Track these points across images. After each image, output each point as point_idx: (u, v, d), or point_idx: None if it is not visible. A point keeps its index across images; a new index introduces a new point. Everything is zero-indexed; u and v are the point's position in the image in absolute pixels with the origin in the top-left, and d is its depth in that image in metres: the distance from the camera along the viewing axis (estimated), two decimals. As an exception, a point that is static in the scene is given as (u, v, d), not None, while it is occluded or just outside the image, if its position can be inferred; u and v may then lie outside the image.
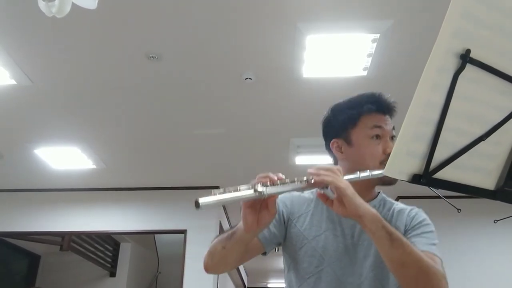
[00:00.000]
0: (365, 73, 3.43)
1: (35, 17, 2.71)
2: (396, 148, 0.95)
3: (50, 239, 6.42)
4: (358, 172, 1.26)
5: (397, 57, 3.28)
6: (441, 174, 0.96)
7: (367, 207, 1.16)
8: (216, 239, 1.36)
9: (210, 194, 1.06)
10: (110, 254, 7.50)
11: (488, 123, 0.96)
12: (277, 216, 1.43)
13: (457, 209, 1.31)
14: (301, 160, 4.99)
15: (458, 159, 0.96)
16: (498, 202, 1.01)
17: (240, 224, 1.25)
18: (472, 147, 0.96)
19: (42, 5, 2.12)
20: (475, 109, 0.95)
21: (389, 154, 1.34)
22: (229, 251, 1.31)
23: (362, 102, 1.46)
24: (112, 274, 7.47)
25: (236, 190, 1.10)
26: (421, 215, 1.40)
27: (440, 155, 0.95)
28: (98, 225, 5.78)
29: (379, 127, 1.42)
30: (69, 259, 7.09)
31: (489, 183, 1.00)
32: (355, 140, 1.44)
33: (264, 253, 1.46)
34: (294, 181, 1.17)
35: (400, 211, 1.41)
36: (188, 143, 4.67)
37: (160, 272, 8.58)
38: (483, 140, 0.96)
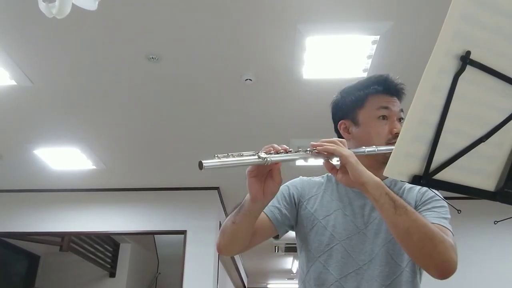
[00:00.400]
0: (365, 74, 3.43)
1: (36, 18, 2.71)
2: (396, 149, 0.95)
3: (49, 239, 6.42)
4: (363, 147, 1.29)
5: (397, 58, 3.29)
6: (441, 175, 0.96)
7: (370, 175, 1.17)
8: (225, 220, 1.36)
9: (213, 158, 1.06)
10: (110, 255, 7.50)
11: (488, 124, 0.96)
12: (288, 199, 1.46)
13: (457, 210, 1.31)
14: (301, 160, 4.98)
15: (458, 160, 0.96)
16: (498, 203, 1.01)
17: (247, 196, 1.25)
18: (472, 149, 0.96)
19: (42, 6, 2.13)
20: (475, 110, 0.95)
21: (396, 134, 1.37)
22: (238, 225, 1.30)
23: (369, 83, 1.48)
24: (112, 274, 7.47)
25: (240, 155, 1.10)
26: (431, 192, 1.40)
27: (440, 156, 0.95)
28: (98, 225, 5.78)
29: (386, 108, 1.44)
30: (68, 260, 7.09)
31: (489, 184, 1.00)
32: (362, 120, 1.46)
33: (277, 236, 1.47)
34: (298, 151, 1.18)
35: (411, 188, 1.41)
36: (188, 144, 4.67)
37: (160, 273, 8.58)
38: (483, 141, 0.96)
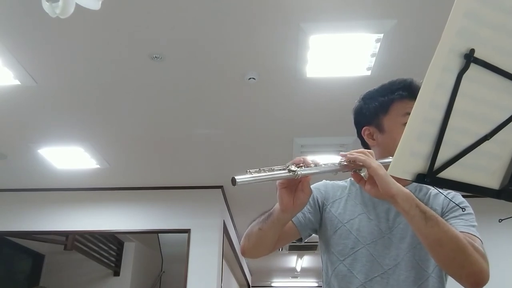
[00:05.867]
0: (368, 73, 3.43)
1: (39, 18, 2.72)
2: (401, 148, 0.95)
3: (54, 238, 6.45)
4: (390, 157, 1.26)
5: (401, 57, 3.28)
6: (446, 174, 0.96)
7: (400, 187, 1.15)
8: (252, 222, 1.37)
9: (245, 173, 1.08)
10: (114, 254, 7.51)
11: (492, 122, 0.96)
12: (311, 202, 1.46)
13: (462, 208, 1.31)
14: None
15: (462, 158, 0.96)
16: (502, 201, 1.01)
17: (277, 205, 1.26)
18: (477, 147, 0.96)
19: (46, 6, 2.13)
20: (479, 108, 0.95)
21: None
22: (265, 232, 1.32)
23: (393, 89, 1.45)
24: (116, 273, 7.48)
25: (270, 170, 1.12)
26: (459, 197, 1.38)
27: (444, 154, 0.95)
28: (102, 224, 5.79)
29: None
30: (73, 259, 7.11)
31: (494, 182, 1.00)
32: (387, 127, 1.44)
33: (300, 239, 1.47)
34: (327, 164, 1.19)
35: (437, 194, 1.40)
36: (192, 143, 4.68)
37: (164, 272, 8.59)
38: (488, 139, 0.96)
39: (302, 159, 1.18)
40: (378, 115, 1.46)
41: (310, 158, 1.19)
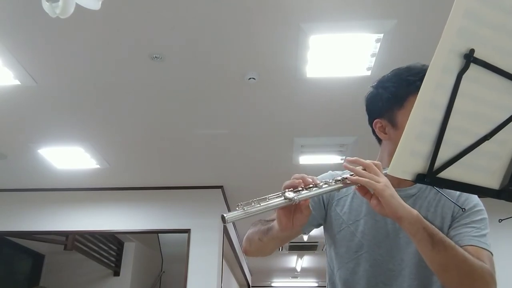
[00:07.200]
0: (368, 73, 3.43)
1: (39, 18, 2.72)
2: (400, 148, 0.95)
3: (54, 238, 6.45)
4: None
5: (401, 57, 3.27)
6: (445, 174, 0.96)
7: (407, 208, 1.09)
8: (253, 228, 1.35)
9: (236, 209, 1.03)
10: (114, 254, 7.51)
11: (492, 122, 0.96)
12: (316, 198, 1.40)
13: (462, 208, 1.29)
14: (305, 159, 4.99)
15: (462, 158, 0.96)
16: (502, 201, 1.01)
17: (275, 223, 1.22)
18: (477, 147, 0.96)
19: (46, 6, 2.13)
20: (479, 108, 0.95)
21: None
22: (265, 244, 1.32)
23: (410, 80, 1.31)
24: (116, 273, 7.49)
25: (264, 200, 1.06)
26: (473, 199, 1.30)
27: (444, 154, 0.95)
28: (102, 224, 5.79)
29: None
30: (73, 259, 7.11)
31: (494, 182, 1.00)
32: (401, 122, 1.31)
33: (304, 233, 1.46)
34: (328, 182, 1.13)
35: (448, 195, 1.30)
36: (192, 143, 4.68)
37: (164, 271, 8.59)
38: (488, 139, 0.96)
39: (300, 180, 1.12)
40: (392, 108, 1.33)
41: (311, 178, 1.13)
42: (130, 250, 7.62)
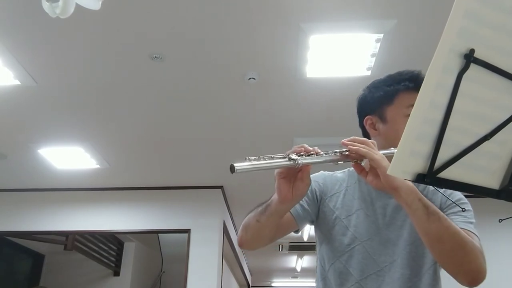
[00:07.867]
0: (368, 73, 3.43)
1: (39, 18, 2.72)
2: (400, 148, 0.95)
3: (54, 238, 6.45)
4: (392, 148, 1.24)
5: (401, 57, 3.28)
6: (445, 174, 0.96)
7: (403, 179, 1.13)
8: (249, 214, 1.36)
9: (244, 161, 1.06)
10: (114, 254, 7.52)
11: (493, 122, 0.96)
12: (309, 194, 1.44)
13: (462, 208, 1.30)
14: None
15: (462, 158, 0.96)
16: (502, 201, 1.01)
17: (274, 196, 1.25)
18: (477, 147, 0.96)
19: (46, 6, 2.13)
20: (480, 108, 0.95)
21: None
22: (263, 224, 1.31)
23: (400, 80, 1.43)
24: (116, 273, 7.49)
25: (270, 158, 1.09)
26: (457, 193, 1.37)
27: (444, 154, 0.95)
28: (102, 224, 5.79)
29: None
30: (73, 259, 7.11)
31: (494, 182, 1.00)
32: (390, 117, 1.41)
33: (297, 231, 1.46)
34: (328, 153, 1.16)
35: (435, 190, 1.38)
36: (192, 143, 4.68)
37: (164, 272, 8.60)
38: (488, 139, 0.96)
39: (302, 147, 1.16)
40: (382, 104, 1.43)
41: (312, 147, 1.16)
42: (130, 250, 7.63)
